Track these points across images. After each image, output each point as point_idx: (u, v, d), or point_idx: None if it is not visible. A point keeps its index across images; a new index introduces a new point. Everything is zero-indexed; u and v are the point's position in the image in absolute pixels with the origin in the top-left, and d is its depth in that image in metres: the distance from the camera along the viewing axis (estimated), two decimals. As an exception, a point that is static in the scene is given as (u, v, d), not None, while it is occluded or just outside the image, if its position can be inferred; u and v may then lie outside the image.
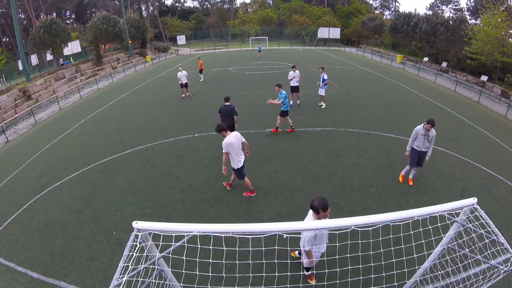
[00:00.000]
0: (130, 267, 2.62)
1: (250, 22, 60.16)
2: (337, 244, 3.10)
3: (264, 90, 17.53)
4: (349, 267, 3.36)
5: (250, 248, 3.06)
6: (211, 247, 3.10)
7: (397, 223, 2.70)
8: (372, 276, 3.66)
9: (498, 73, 22.70)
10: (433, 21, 30.81)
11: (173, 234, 2.73)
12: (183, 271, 3.08)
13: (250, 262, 3.30)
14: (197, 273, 3.06)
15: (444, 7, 58.74)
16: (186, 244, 2.74)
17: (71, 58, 31.72)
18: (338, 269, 3.33)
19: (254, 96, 16.76)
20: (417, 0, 67.51)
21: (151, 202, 7.53)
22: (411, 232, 3.11)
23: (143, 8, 53.54)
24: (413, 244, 3.35)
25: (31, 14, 45.58)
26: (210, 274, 3.35)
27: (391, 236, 3.29)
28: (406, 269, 3.39)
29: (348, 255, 3.53)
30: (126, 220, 6.79)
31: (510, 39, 21.51)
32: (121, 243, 6.06)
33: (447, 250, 3.14)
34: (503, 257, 2.68)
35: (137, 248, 2.78)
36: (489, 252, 2.90)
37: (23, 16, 48.74)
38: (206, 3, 73.68)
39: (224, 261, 3.38)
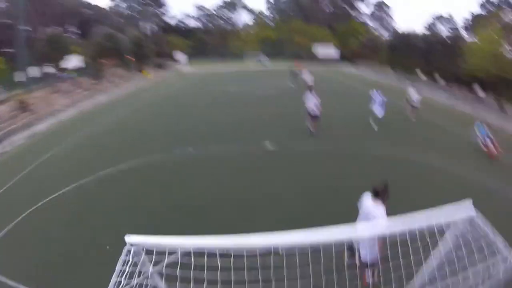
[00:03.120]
0: (122, 282, 2.55)
1: (252, 43, 61.38)
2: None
3: (269, 107, 17.72)
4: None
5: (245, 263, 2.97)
6: (205, 263, 3.00)
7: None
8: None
9: (495, 88, 23.05)
10: (430, 39, 31.64)
11: (167, 249, 2.66)
12: (177, 286, 2.98)
13: (245, 278, 3.19)
14: None
15: (440, 26, 60.12)
16: (179, 261, 2.65)
17: (72, 72, 32.05)
18: None
19: (255, 115, 16.97)
20: (414, 18, 69.24)
21: (147, 217, 7.42)
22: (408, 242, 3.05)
23: (146, 27, 54.63)
24: (411, 256, 3.28)
25: (35, 28, 46.30)
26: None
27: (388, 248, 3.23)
28: (404, 281, 3.31)
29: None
30: (121, 235, 6.65)
31: (506, 54, 22.10)
32: (114, 259, 5.92)
33: (445, 259, 3.08)
34: (503, 265, 2.64)
35: (129, 263, 2.72)
36: (488, 260, 2.86)
37: (27, 29, 49.38)
38: (210, 24, 75.08)
39: (219, 277, 3.27)
